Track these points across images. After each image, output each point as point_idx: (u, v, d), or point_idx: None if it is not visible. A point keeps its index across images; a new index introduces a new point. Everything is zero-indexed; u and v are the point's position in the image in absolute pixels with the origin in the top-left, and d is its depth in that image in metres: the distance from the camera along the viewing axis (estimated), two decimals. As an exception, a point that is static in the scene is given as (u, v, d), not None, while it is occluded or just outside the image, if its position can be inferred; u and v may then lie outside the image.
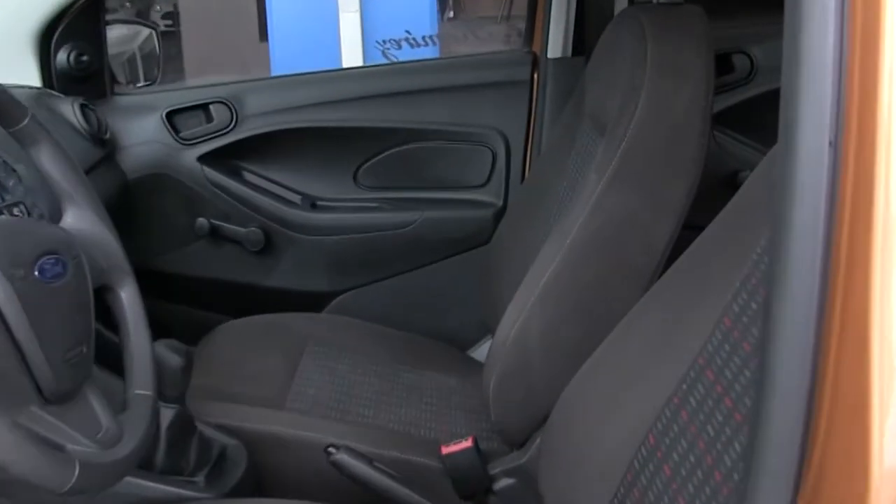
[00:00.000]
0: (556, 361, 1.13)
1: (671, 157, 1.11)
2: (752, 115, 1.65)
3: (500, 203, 1.69)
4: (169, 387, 1.06)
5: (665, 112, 1.11)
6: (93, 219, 0.98)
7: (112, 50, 1.75)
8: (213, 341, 1.48)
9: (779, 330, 0.50)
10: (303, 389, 1.32)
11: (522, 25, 1.81)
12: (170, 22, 5.93)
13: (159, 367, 1.02)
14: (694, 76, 1.11)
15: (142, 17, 6.44)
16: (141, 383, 0.93)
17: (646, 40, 1.14)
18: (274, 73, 3.93)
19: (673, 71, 1.12)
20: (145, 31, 2.13)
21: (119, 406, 0.92)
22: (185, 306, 1.75)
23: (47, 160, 0.97)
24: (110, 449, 0.84)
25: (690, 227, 1.10)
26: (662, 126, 1.11)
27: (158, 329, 1.70)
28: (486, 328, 1.52)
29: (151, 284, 1.70)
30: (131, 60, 2.26)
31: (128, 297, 0.97)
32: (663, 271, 1.07)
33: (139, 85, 2.08)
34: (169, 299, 1.74)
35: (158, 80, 1.86)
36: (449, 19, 6.13)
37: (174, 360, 1.07)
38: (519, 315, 1.16)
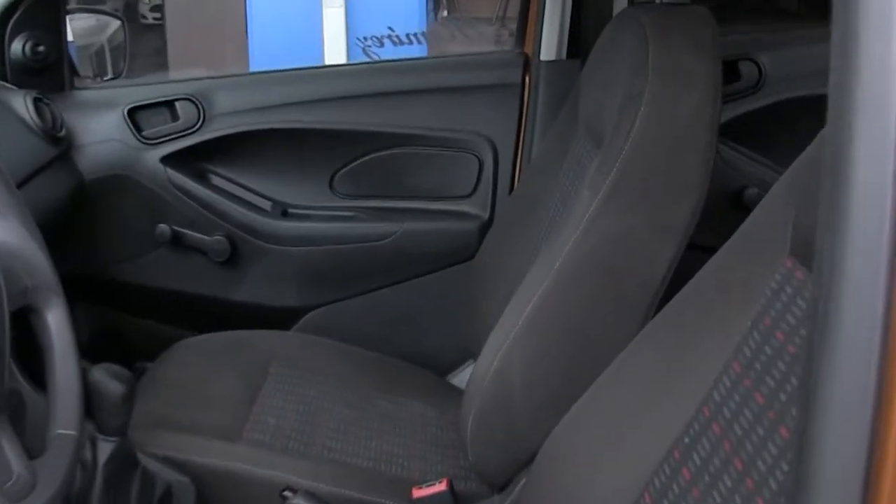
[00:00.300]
0: (542, 398, 1.05)
1: (674, 172, 1.03)
2: (759, 128, 1.58)
3: (487, 215, 1.60)
4: (108, 417, 0.97)
5: (668, 122, 1.03)
6: (18, 230, 0.88)
7: (79, 41, 1.67)
8: (169, 361, 1.39)
9: (822, 426, 0.39)
10: (263, 418, 1.23)
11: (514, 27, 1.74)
12: (158, 15, 5.88)
13: (98, 396, 0.93)
14: (700, 83, 1.04)
15: (131, 10, 6.37)
16: (64, 421, 0.83)
17: (647, 43, 1.07)
18: (252, 69, 3.84)
19: (677, 77, 1.05)
20: (115, 23, 2.02)
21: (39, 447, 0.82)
22: (142, 319, 1.67)
23: None
24: (19, 502, 0.73)
25: (690, 248, 1.04)
26: (665, 137, 1.03)
27: (113, 343, 1.63)
28: (469, 352, 1.43)
29: (107, 294, 1.64)
30: (99, 53, 2.16)
31: (55, 320, 0.87)
32: (664, 299, 1.00)
33: (106, 78, 1.98)
34: (125, 311, 1.66)
35: (124, 74, 1.76)
36: (443, 18, 6.08)
37: (115, 387, 0.97)
38: (502, 344, 1.07)
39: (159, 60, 5.22)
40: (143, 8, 6.38)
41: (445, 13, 6.23)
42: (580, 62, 1.52)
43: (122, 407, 0.97)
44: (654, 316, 1.01)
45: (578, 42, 1.57)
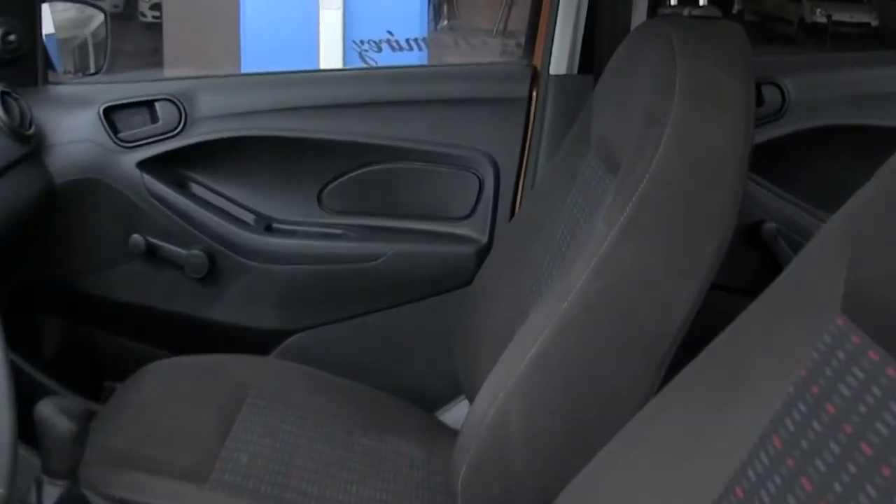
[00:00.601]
0: (544, 452, 0.98)
1: (700, 205, 0.96)
2: (780, 158, 1.51)
3: (485, 240, 1.52)
4: (56, 458, 0.87)
5: (695, 148, 0.96)
6: None
7: (61, 34, 1.57)
8: (136, 386, 1.29)
9: None
10: (234, 455, 1.13)
11: (521, 39, 1.66)
12: (158, 13, 5.88)
13: (45, 434, 0.84)
14: (733, 105, 0.97)
15: (131, 8, 6.35)
16: (-9, 475, 0.72)
17: (675, 59, 0.99)
18: (244, 71, 3.78)
19: (709, 98, 0.97)
20: (100, 16, 1.93)
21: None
22: (112, 335, 1.58)
23: None
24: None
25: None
26: (691, 165, 0.96)
27: (80, 359, 1.54)
28: (460, 387, 1.35)
29: (75, 306, 1.55)
30: (82, 47, 2.08)
31: None
32: (682, 344, 0.93)
33: (87, 73, 1.90)
34: (94, 325, 1.57)
35: (103, 70, 1.68)
36: (443, 28, 6.08)
37: (63, 425, 0.87)
38: (500, 389, 0.98)
39: (157, 59, 5.19)
40: (143, 6, 6.35)
41: (446, 23, 6.22)
42: (593, 78, 1.45)
43: (71, 447, 0.87)
44: (670, 364, 0.93)
45: (592, 56, 1.50)
